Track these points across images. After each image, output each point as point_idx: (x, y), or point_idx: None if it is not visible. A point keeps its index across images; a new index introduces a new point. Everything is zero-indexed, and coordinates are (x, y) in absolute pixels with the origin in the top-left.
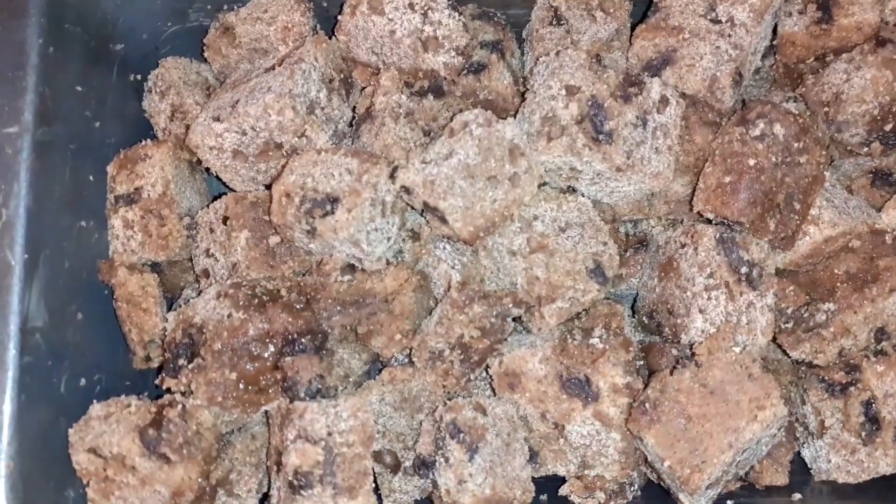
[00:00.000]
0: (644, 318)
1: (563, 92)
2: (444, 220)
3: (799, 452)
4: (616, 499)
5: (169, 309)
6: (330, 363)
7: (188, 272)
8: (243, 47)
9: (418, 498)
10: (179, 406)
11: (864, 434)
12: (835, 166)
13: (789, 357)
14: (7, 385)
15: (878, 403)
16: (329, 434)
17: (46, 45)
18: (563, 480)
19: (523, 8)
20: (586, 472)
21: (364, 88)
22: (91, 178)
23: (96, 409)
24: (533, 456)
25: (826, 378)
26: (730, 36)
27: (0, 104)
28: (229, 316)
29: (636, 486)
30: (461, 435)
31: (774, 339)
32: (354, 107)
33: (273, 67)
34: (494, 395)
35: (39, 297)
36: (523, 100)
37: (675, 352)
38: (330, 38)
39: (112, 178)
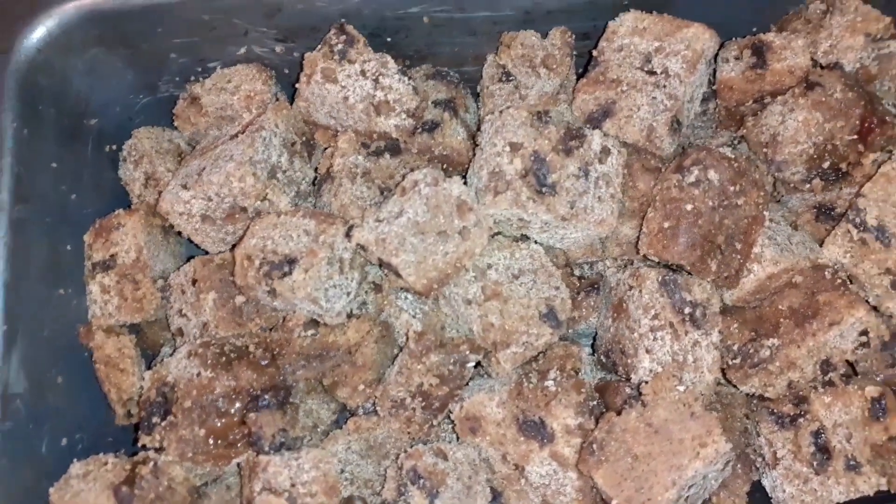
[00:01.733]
0: (602, 356)
1: (508, 148)
2: (398, 275)
3: (760, 481)
4: None
5: (149, 366)
6: (294, 416)
7: (166, 330)
8: (210, 115)
9: None
10: (152, 463)
11: (815, 464)
12: (782, 202)
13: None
14: None
15: (827, 433)
16: (292, 485)
17: (21, 128)
18: None
19: (476, 65)
20: None
21: (326, 149)
22: (69, 247)
23: (76, 468)
24: (497, 496)
25: (775, 411)
26: (665, 87)
27: None
28: (198, 374)
29: None
30: (421, 481)
31: (724, 375)
32: (316, 167)
33: (237, 135)
34: (458, 438)
35: (19, 365)
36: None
37: (628, 390)
38: (291, 103)
39: (89, 247)
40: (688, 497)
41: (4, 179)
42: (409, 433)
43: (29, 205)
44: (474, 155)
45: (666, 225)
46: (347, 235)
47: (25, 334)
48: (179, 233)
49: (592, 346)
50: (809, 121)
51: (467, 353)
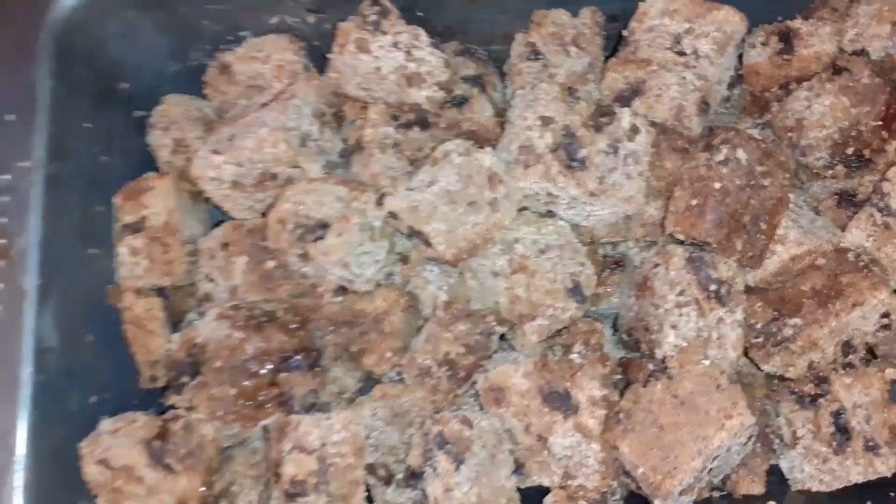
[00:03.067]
0: (624, 335)
1: (539, 122)
2: (428, 244)
3: (777, 464)
4: None
5: (174, 332)
6: (323, 380)
7: (192, 296)
8: (240, 85)
9: None
10: (183, 420)
11: (834, 444)
12: (803, 188)
13: (762, 372)
14: (23, 402)
15: (847, 414)
16: (322, 445)
17: (57, 87)
18: (547, 491)
19: (504, 44)
20: (569, 482)
21: (354, 121)
22: (99, 208)
23: (105, 424)
24: (518, 467)
25: (796, 390)
26: (694, 67)
27: (14, 141)
28: (228, 336)
29: (618, 496)
30: (448, 446)
31: (746, 354)
32: (346, 138)
33: (268, 103)
34: (481, 409)
35: (53, 320)
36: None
37: (651, 366)
38: (321, 74)
39: (119, 209)
40: (711, 469)
41: (40, 137)
42: (433, 402)
43: (63, 163)
44: (502, 132)
45: (694, 203)
46: (379, 203)
47: (58, 291)
48: (207, 199)
49: (613, 326)
50: (836, 105)
51: (494, 324)
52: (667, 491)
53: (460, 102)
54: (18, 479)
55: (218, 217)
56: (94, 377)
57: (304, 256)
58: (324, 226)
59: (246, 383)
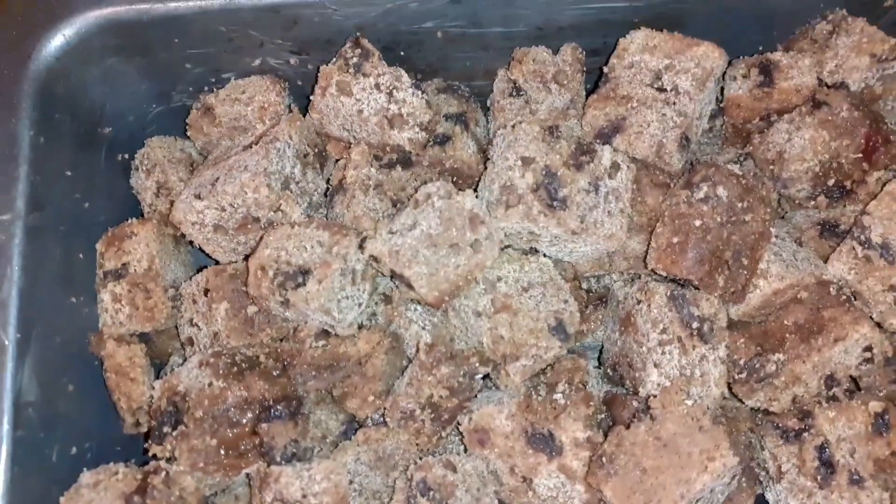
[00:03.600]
0: (608, 369)
1: (519, 163)
2: (410, 287)
3: (763, 495)
4: None
5: (158, 375)
6: (305, 427)
7: (176, 339)
8: (223, 126)
9: None
10: (163, 473)
11: (819, 478)
12: (786, 218)
13: (746, 405)
14: (0, 458)
15: (831, 448)
16: (304, 496)
17: (37, 136)
18: None
19: (486, 80)
20: None
21: (338, 161)
22: (81, 255)
23: (86, 477)
24: None
25: (780, 425)
26: (674, 104)
27: None
28: (210, 384)
29: None
30: (431, 493)
31: (730, 389)
32: (329, 178)
33: (251, 145)
34: (465, 450)
35: (31, 372)
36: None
37: (635, 403)
38: (304, 115)
39: (101, 255)
40: None
41: (20, 187)
42: (417, 445)
43: (44, 212)
44: (485, 169)
45: (675, 240)
46: (360, 247)
47: (38, 341)
48: (191, 242)
49: (598, 359)
50: (816, 139)
51: (477, 365)
52: None
53: (443, 141)
54: None
55: (201, 258)
56: (75, 427)
57: (285, 303)
58: (305, 272)
59: (227, 433)
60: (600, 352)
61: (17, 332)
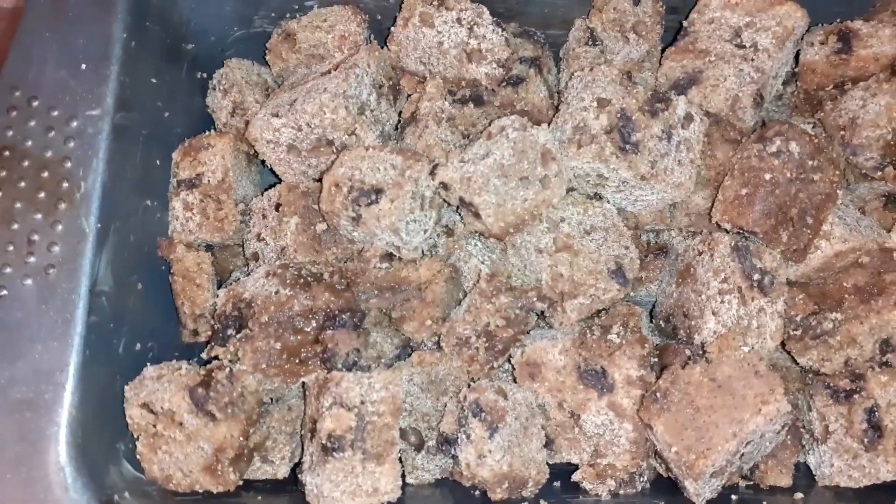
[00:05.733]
0: (661, 321)
1: (595, 104)
2: (477, 216)
3: (804, 461)
4: (626, 487)
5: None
6: (366, 340)
7: (237, 257)
8: (302, 52)
9: (438, 477)
10: (227, 369)
11: (866, 440)
12: (850, 189)
13: (798, 365)
14: (75, 340)
15: (880, 412)
16: (362, 402)
17: (129, 40)
18: (575, 470)
19: (561, 29)
20: (598, 460)
21: (409, 96)
22: (158, 162)
23: (150, 370)
24: (548, 443)
25: (831, 384)
26: (752, 60)
27: (86, 89)
28: (277, 292)
29: (645, 478)
30: (483, 414)
31: (784, 346)
32: (400, 112)
33: (329, 72)
34: (515, 383)
35: (107, 264)
36: (557, 112)
37: (687, 352)
38: (382, 48)
39: (176, 164)
40: (743, 454)
41: (111, 85)
42: (469, 372)
43: (129, 114)
44: (555, 113)
45: (743, 192)
46: (432, 173)
47: (115, 235)
48: (262, 162)
49: (650, 313)
50: (892, 106)
51: (534, 299)
52: (699, 471)
53: (516, 82)
54: (64, 415)
55: (268, 181)
56: (140, 325)
57: (356, 220)
58: (378, 191)
59: (291, 338)
60: (651, 308)
61: (98, 222)
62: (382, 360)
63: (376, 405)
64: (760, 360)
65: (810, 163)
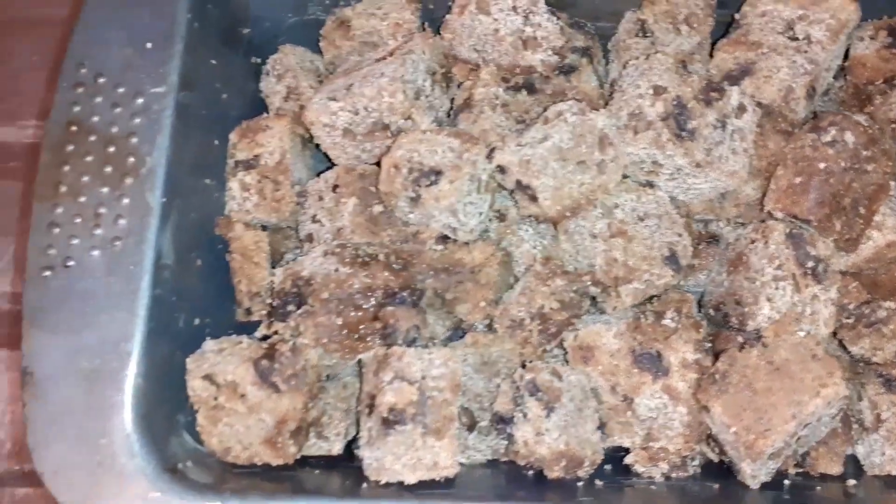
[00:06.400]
0: (710, 310)
1: (651, 91)
2: (533, 199)
3: (852, 452)
4: (678, 471)
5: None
6: (424, 318)
7: (289, 239)
8: (356, 40)
9: (489, 458)
10: (291, 343)
11: None
12: None
13: (849, 354)
14: (141, 311)
15: None
16: (423, 377)
17: (193, 21)
18: (626, 453)
19: (611, 21)
20: (651, 444)
21: (462, 83)
22: (216, 142)
23: (210, 344)
24: (600, 427)
25: (884, 373)
26: (806, 52)
27: (151, 67)
28: (336, 270)
29: (697, 462)
30: (539, 394)
31: (835, 335)
32: (452, 99)
33: (383, 58)
34: (568, 366)
35: (171, 238)
36: (606, 104)
37: (740, 338)
38: (435, 35)
39: (233, 145)
40: (800, 437)
41: (174, 64)
42: (522, 354)
43: (192, 93)
44: (604, 105)
45: (797, 181)
46: (489, 156)
47: (177, 211)
48: (317, 146)
49: (698, 304)
50: None
51: (589, 284)
52: (759, 451)
53: (568, 71)
54: (129, 385)
55: (321, 167)
56: (198, 301)
57: (415, 201)
58: (437, 172)
59: (351, 315)
60: (700, 298)
61: (163, 196)
62: (435, 342)
63: (437, 381)
64: (818, 344)
65: (864, 153)
